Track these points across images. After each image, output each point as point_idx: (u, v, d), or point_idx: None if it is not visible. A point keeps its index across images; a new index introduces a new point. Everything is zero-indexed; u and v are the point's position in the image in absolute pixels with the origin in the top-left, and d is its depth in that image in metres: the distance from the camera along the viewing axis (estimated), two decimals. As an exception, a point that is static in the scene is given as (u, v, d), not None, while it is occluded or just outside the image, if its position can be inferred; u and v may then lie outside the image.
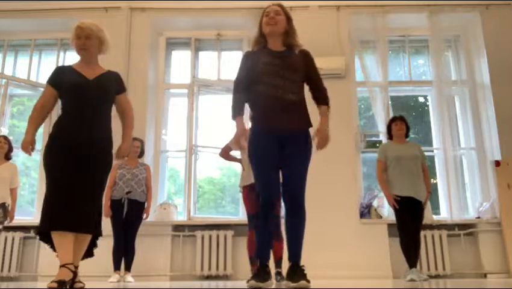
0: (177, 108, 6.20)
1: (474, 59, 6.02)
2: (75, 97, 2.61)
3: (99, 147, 2.58)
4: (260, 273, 2.50)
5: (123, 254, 4.66)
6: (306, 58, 2.77)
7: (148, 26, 5.95)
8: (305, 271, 2.44)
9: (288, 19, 2.75)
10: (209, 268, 5.09)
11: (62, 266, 2.41)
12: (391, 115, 5.71)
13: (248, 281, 2.48)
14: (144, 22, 5.94)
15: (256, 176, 2.59)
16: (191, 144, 5.69)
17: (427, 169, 4.41)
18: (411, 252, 4.14)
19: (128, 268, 4.67)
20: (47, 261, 4.79)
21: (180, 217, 5.51)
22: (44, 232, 2.48)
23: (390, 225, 5.22)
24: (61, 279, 2.35)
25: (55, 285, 2.31)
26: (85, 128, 2.56)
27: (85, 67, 2.72)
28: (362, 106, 6.27)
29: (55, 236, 2.45)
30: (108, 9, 5.92)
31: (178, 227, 5.31)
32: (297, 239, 2.55)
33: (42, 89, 2.88)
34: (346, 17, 5.91)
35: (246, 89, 2.66)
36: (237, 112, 2.65)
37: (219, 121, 5.84)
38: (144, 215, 4.82)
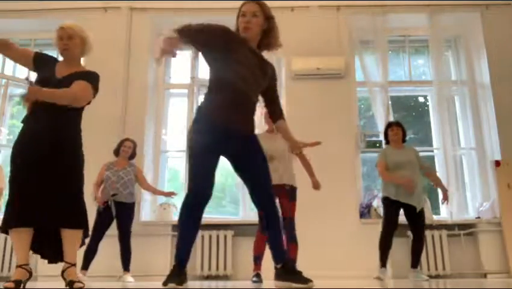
0: (177, 108, 6.20)
1: (474, 59, 6.02)
2: None
3: (60, 146, 2.52)
4: (176, 273, 2.34)
5: (122, 255, 4.66)
6: (273, 71, 2.60)
7: (148, 26, 5.94)
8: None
9: (268, 18, 2.50)
10: (209, 268, 5.09)
11: (18, 266, 2.41)
12: (391, 115, 5.73)
13: (165, 283, 2.30)
14: (144, 22, 5.94)
15: (193, 167, 2.38)
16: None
17: (429, 167, 4.45)
18: (385, 251, 4.22)
19: (126, 268, 4.67)
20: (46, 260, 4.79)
21: (180, 217, 5.51)
22: (3, 231, 2.47)
23: (390, 225, 5.23)
24: (17, 279, 2.37)
25: (12, 285, 2.32)
26: (47, 128, 2.50)
27: (64, 65, 2.69)
28: (362, 106, 6.27)
29: (12, 235, 2.44)
30: (108, 9, 5.91)
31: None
32: (276, 238, 2.44)
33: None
34: (346, 17, 5.91)
35: (203, 47, 2.43)
36: (180, 32, 2.35)
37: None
38: (167, 195, 4.97)
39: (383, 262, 4.21)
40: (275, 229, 2.43)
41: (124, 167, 4.83)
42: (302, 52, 5.71)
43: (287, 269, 2.38)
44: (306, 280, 2.26)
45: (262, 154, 2.50)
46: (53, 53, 6.76)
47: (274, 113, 2.64)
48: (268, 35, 2.52)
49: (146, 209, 5.52)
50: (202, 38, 2.39)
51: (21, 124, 2.60)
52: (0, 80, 5.85)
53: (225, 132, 2.36)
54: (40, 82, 2.59)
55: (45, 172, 2.44)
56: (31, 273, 2.48)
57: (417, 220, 4.27)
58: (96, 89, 2.72)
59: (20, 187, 2.44)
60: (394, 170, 4.30)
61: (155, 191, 5.14)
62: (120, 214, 4.68)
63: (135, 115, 5.60)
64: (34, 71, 2.71)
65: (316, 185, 4.13)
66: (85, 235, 2.61)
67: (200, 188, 2.35)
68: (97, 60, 5.84)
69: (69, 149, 2.55)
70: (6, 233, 2.49)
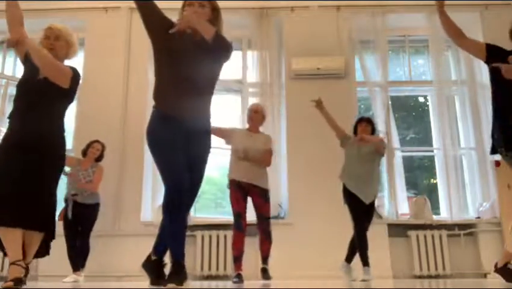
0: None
1: (474, 59, 5.98)
2: (23, 93, 2.63)
3: (42, 144, 2.53)
4: (176, 271, 2.29)
5: (78, 253, 4.58)
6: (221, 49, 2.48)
7: (148, 26, 5.93)
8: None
9: (214, 10, 2.49)
10: (209, 268, 5.08)
11: (12, 263, 2.39)
12: (391, 115, 5.73)
13: (164, 283, 2.27)
14: (144, 22, 5.93)
15: (165, 163, 2.34)
16: (191, 144, 5.69)
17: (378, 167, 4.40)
18: (365, 247, 4.12)
19: (82, 265, 4.57)
20: (48, 260, 4.78)
21: (180, 217, 5.51)
22: None
23: (390, 225, 5.23)
24: (16, 277, 2.35)
25: (11, 284, 2.30)
26: (29, 126, 2.53)
27: None
28: (362, 106, 6.27)
29: (2, 232, 2.42)
30: (108, 9, 5.91)
31: (178, 227, 5.30)
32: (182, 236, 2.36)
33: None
34: (346, 17, 5.91)
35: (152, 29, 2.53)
36: None
37: (219, 121, 5.82)
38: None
39: (349, 259, 4.23)
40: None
41: (86, 168, 4.76)
42: (302, 52, 5.71)
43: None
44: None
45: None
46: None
47: None
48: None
49: (146, 209, 5.51)
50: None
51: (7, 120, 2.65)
52: (0, 81, 5.85)
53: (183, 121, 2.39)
54: (22, 84, 2.64)
55: (25, 170, 2.46)
56: (27, 269, 2.48)
57: (363, 214, 4.16)
58: (74, 80, 2.69)
59: (9, 186, 2.44)
60: (351, 161, 4.24)
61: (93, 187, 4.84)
62: (78, 214, 4.58)
63: (135, 115, 5.60)
64: (23, 63, 2.74)
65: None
66: (49, 238, 2.59)
67: (180, 179, 2.32)
68: (97, 60, 5.85)
69: (42, 148, 2.54)
70: None
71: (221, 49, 2.43)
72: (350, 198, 4.18)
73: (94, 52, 5.79)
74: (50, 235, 2.60)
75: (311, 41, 5.80)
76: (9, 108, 5.97)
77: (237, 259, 3.97)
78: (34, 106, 2.57)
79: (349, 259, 4.26)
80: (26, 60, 2.71)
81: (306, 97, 5.65)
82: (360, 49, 5.92)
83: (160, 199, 5.92)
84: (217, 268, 5.09)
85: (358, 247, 4.11)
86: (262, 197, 4.07)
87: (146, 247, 5.18)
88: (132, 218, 5.25)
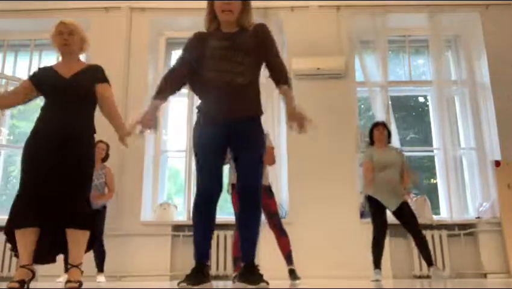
0: (177, 108, 6.20)
1: (474, 59, 6.02)
2: (53, 97, 2.61)
3: (75, 145, 2.53)
4: (194, 273, 2.27)
5: (95, 257, 4.59)
6: (259, 37, 2.41)
7: (148, 26, 5.95)
8: (261, 272, 2.25)
9: (244, 1, 2.40)
10: (209, 268, 5.08)
11: (21, 267, 2.40)
12: (391, 115, 5.73)
13: (179, 283, 2.20)
14: (144, 22, 5.94)
15: (198, 167, 2.36)
16: (191, 144, 5.69)
17: (407, 171, 4.44)
18: (377, 253, 4.22)
19: (101, 269, 4.61)
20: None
21: (180, 217, 5.52)
22: (8, 232, 2.46)
23: (389, 225, 5.22)
24: (21, 279, 2.36)
25: (16, 285, 2.31)
26: (63, 127, 2.52)
27: (64, 65, 2.70)
28: (362, 106, 6.27)
29: (18, 235, 2.42)
30: (108, 9, 5.92)
31: (178, 227, 5.31)
32: (251, 236, 2.35)
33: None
34: (346, 17, 5.91)
35: (188, 76, 2.44)
36: (156, 96, 2.43)
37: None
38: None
39: (376, 264, 4.21)
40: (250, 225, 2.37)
41: (96, 169, 4.71)
42: (302, 52, 5.71)
43: (249, 270, 2.27)
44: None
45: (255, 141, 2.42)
46: (53, 53, 6.74)
47: (274, 80, 2.50)
48: (243, 17, 2.42)
49: (146, 209, 5.51)
50: (185, 68, 2.45)
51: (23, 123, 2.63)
52: (0, 80, 5.85)
53: (221, 124, 2.33)
54: (50, 88, 2.60)
55: (54, 171, 2.44)
56: (34, 273, 2.47)
57: (403, 216, 4.25)
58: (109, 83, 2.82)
59: (27, 187, 2.44)
60: (378, 171, 4.32)
61: (107, 197, 4.84)
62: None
63: (135, 115, 5.60)
64: (39, 90, 2.67)
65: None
66: (93, 237, 2.59)
67: (206, 186, 2.33)
68: (97, 60, 5.86)
69: (80, 148, 2.55)
70: (10, 235, 2.47)
71: None
72: (374, 208, 4.32)
73: (94, 51, 5.77)
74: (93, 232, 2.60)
75: (311, 41, 5.80)
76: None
77: (238, 260, 3.94)
78: (70, 106, 2.58)
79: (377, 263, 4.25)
80: (38, 83, 2.66)
81: (306, 97, 5.67)
82: (360, 49, 5.92)
83: (160, 199, 5.96)
84: (217, 268, 5.09)
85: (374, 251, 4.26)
86: (265, 193, 3.97)
87: (146, 246, 5.21)
88: (132, 218, 5.25)
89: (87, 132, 2.64)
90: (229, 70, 2.32)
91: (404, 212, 4.25)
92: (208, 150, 2.34)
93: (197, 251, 2.40)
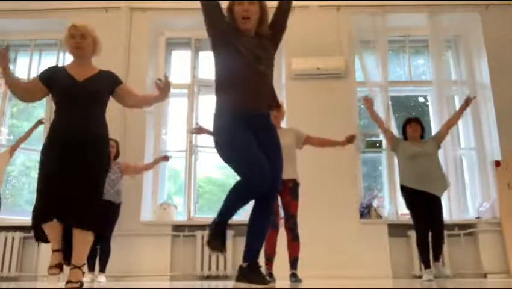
0: (177, 108, 6.20)
1: (474, 59, 6.02)
2: (66, 99, 2.63)
3: (90, 147, 2.57)
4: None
5: (100, 255, 4.57)
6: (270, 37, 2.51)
7: (148, 26, 5.95)
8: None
9: (262, 6, 2.45)
10: (209, 268, 5.08)
11: (54, 251, 2.49)
12: (391, 115, 5.73)
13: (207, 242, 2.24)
14: (144, 22, 5.94)
15: (241, 158, 2.24)
16: (191, 144, 5.69)
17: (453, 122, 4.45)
18: (424, 250, 4.07)
19: (102, 269, 4.58)
20: (48, 260, 4.79)
21: (180, 217, 5.51)
22: (36, 226, 2.51)
23: (389, 225, 5.23)
24: (59, 262, 2.49)
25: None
26: (77, 129, 2.56)
27: (77, 68, 2.71)
28: (362, 106, 6.27)
29: (46, 228, 2.49)
30: (108, 9, 5.91)
31: (178, 227, 5.31)
32: (261, 238, 2.39)
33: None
34: (346, 17, 5.91)
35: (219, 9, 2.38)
36: None
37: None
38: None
39: (425, 264, 4.08)
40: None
41: (112, 167, 4.77)
42: (302, 52, 5.71)
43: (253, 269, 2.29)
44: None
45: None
46: (53, 53, 6.73)
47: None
48: (261, 25, 2.46)
49: (146, 209, 5.51)
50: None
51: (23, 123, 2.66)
52: (1, 80, 5.84)
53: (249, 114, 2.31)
54: (63, 91, 2.63)
55: (72, 168, 2.49)
56: (65, 255, 2.55)
57: (432, 212, 4.09)
58: None
59: (47, 182, 2.49)
60: (410, 160, 4.19)
61: (147, 167, 5.00)
62: (105, 213, 4.55)
63: (135, 115, 5.59)
64: (50, 89, 2.69)
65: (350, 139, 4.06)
66: (98, 238, 2.61)
67: (257, 177, 2.18)
68: (97, 60, 5.81)
69: (100, 148, 2.61)
70: (37, 229, 2.52)
71: None
72: (411, 199, 4.13)
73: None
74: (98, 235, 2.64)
75: (311, 41, 5.79)
76: (9, 107, 5.99)
77: (271, 260, 3.77)
78: (84, 109, 2.62)
79: (426, 263, 4.13)
80: (50, 83, 2.69)
81: (306, 97, 5.68)
82: (360, 48, 5.92)
83: (160, 199, 5.96)
84: (217, 268, 5.09)
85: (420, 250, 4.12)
86: (290, 191, 3.80)
87: (146, 246, 5.21)
88: (132, 218, 5.24)
89: (104, 132, 2.69)
90: (264, 58, 2.37)
91: (434, 210, 4.10)
92: (251, 142, 2.23)
93: (227, 214, 2.40)
